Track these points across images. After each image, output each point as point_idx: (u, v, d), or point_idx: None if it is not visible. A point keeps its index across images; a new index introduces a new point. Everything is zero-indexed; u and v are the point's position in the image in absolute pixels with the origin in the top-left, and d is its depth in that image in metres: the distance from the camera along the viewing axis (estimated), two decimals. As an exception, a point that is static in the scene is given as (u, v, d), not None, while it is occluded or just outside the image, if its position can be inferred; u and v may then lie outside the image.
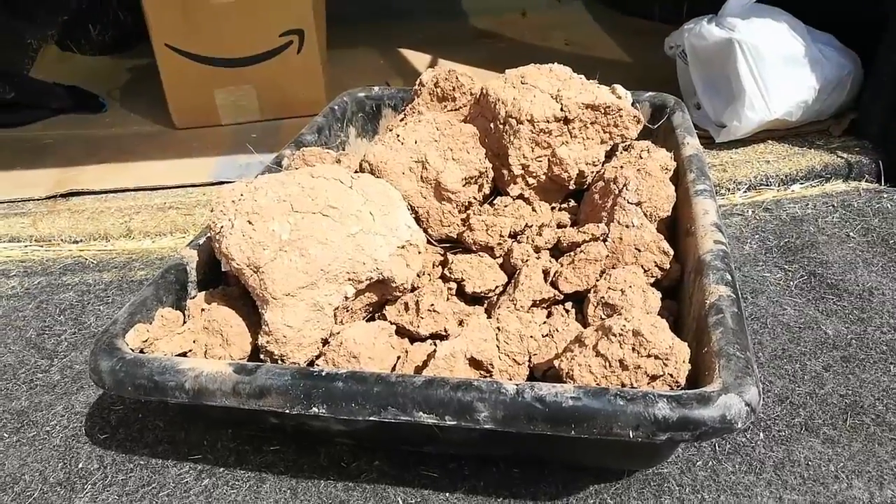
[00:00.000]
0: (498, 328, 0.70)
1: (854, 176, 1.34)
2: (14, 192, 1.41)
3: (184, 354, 0.72)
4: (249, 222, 0.71)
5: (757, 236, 1.19)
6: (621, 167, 0.91)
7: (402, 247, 0.76)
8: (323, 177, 0.77)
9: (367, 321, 0.80)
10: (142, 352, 0.71)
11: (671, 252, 0.84)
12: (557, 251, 0.88)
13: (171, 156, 1.55)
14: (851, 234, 1.16)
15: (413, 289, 0.79)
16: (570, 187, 0.98)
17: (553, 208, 0.99)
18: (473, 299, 0.83)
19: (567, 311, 0.82)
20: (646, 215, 0.86)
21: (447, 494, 0.75)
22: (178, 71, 1.58)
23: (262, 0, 1.54)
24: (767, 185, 1.35)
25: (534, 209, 0.95)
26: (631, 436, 0.57)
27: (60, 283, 1.16)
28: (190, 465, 0.81)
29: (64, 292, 1.14)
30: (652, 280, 0.84)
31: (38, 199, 1.39)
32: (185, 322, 0.78)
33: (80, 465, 0.82)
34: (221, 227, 0.74)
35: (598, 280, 0.81)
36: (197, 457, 0.81)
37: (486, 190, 0.95)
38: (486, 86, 0.99)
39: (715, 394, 0.58)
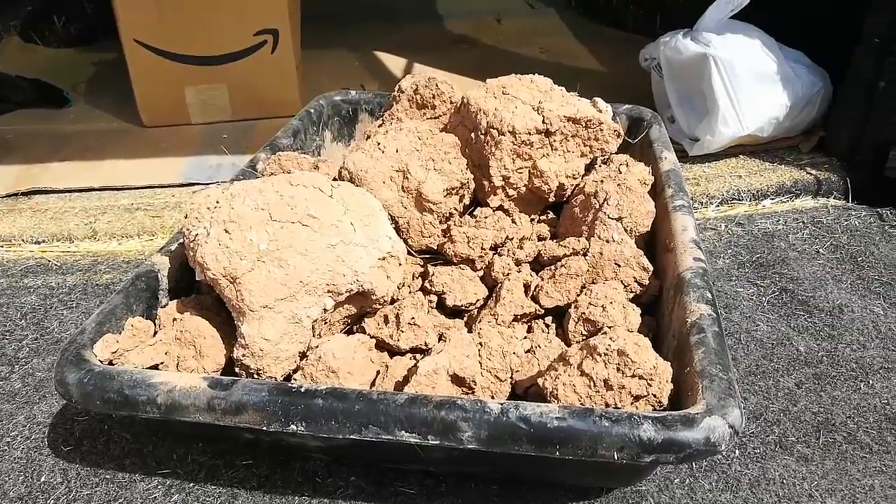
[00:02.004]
0: (480, 344, 0.69)
1: (823, 192, 1.37)
2: (-28, 188, 1.35)
3: (155, 367, 0.70)
4: (226, 231, 0.69)
5: (730, 251, 1.20)
6: (601, 181, 0.91)
7: (383, 258, 0.75)
8: (302, 184, 0.75)
9: (345, 333, 0.78)
10: (111, 364, 0.69)
11: (650, 268, 0.84)
12: (538, 264, 0.88)
13: (139, 155, 1.51)
14: (821, 250, 1.19)
15: (393, 301, 0.78)
16: (550, 199, 0.97)
17: (532, 220, 0.99)
18: (453, 312, 0.82)
19: (547, 325, 0.81)
20: (626, 230, 0.86)
21: (424, 511, 0.74)
22: (148, 67, 1.54)
23: (239, -2, 1.51)
24: (739, 200, 1.37)
25: (514, 221, 0.94)
26: (616, 457, 0.57)
27: (22, 286, 1.12)
28: (159, 479, 0.78)
29: (25, 295, 1.10)
30: (631, 296, 0.84)
31: (-3, 197, 1.33)
32: (155, 332, 0.75)
33: (43, 479, 0.78)
34: (196, 235, 0.71)
35: (578, 295, 0.80)
36: (166, 471, 0.79)
37: (467, 201, 0.94)
38: (467, 95, 0.98)
39: (699, 416, 0.58)
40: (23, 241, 1.24)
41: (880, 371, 0.92)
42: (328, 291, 0.71)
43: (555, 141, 0.93)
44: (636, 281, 0.84)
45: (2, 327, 1.03)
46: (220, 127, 1.63)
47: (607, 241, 0.85)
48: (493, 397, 0.67)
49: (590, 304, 0.78)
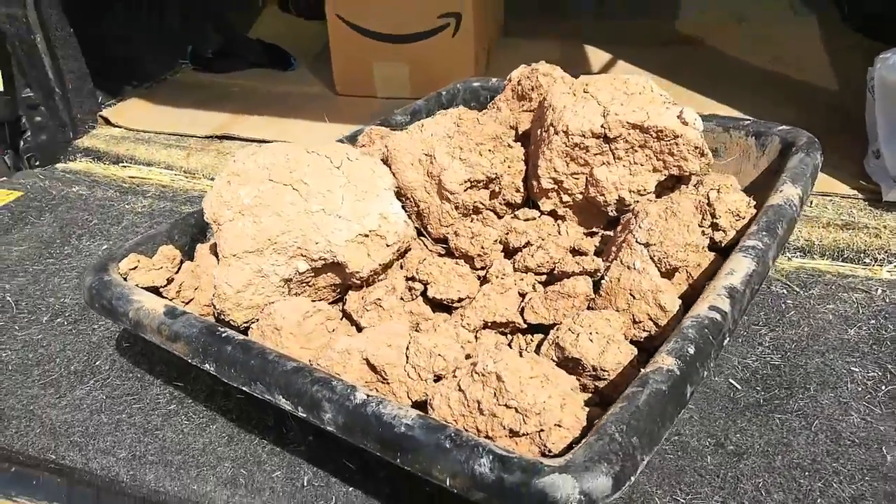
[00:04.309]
0: (412, 338, 0.67)
1: None
2: (185, 128, 1.63)
3: (157, 290, 0.80)
4: (228, 182, 0.76)
5: (873, 321, 0.96)
6: (651, 201, 0.80)
7: (366, 235, 0.75)
8: (316, 153, 0.79)
9: (331, 303, 0.81)
10: (125, 278, 0.80)
11: (672, 308, 0.72)
12: (553, 278, 0.80)
13: (324, 119, 1.67)
14: None
15: (373, 280, 0.78)
16: (611, 213, 0.88)
17: (592, 234, 0.90)
18: (444, 307, 0.80)
19: (528, 342, 0.75)
20: (653, 259, 0.75)
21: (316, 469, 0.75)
22: (345, 41, 1.70)
23: (428, -19, 1.58)
24: (930, 265, 1.08)
25: (560, 230, 0.87)
26: (448, 483, 0.52)
27: (177, 211, 1.33)
28: (170, 389, 0.89)
29: (172, 218, 1.30)
30: (644, 335, 0.74)
31: (198, 137, 1.59)
32: (182, 262, 0.85)
33: (97, 363, 0.95)
34: (215, 182, 0.79)
35: (565, 317, 0.72)
36: (179, 384, 0.90)
37: (512, 198, 0.90)
38: (551, 90, 0.93)
39: (548, 468, 0.49)
40: (202, 175, 1.47)
41: None
42: (301, 254, 0.74)
43: (617, 149, 0.84)
44: (650, 318, 0.73)
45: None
46: (399, 102, 1.72)
47: (628, 268, 0.75)
48: (408, 393, 0.65)
49: (569, 329, 0.70)
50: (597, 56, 1.97)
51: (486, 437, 0.56)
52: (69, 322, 1.03)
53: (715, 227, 0.87)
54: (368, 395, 0.57)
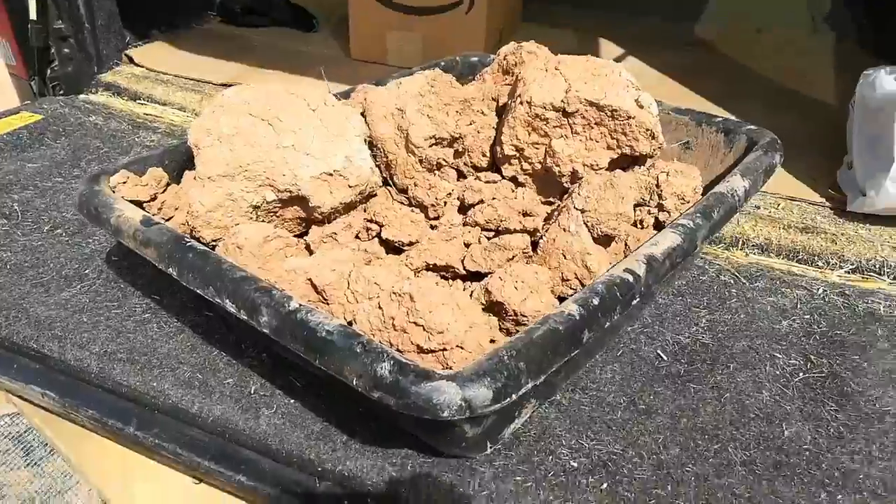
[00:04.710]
0: (354, 266, 0.74)
1: None
2: (203, 73, 1.72)
3: (140, 204, 0.88)
4: (213, 112, 0.84)
5: (808, 316, 1.02)
6: (598, 174, 0.86)
7: (330, 174, 0.83)
8: (296, 95, 0.86)
9: (297, 236, 0.89)
10: (113, 191, 0.89)
11: (597, 270, 0.79)
12: (498, 234, 0.87)
13: (333, 80, 1.74)
14: (921, 352, 0.94)
15: (334, 217, 0.86)
16: (566, 185, 0.94)
17: (549, 203, 0.97)
18: (397, 251, 0.87)
19: (465, 288, 0.82)
20: (586, 225, 0.81)
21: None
22: (363, 7, 1.77)
23: (447, -42, 1.64)
24: (879, 275, 1.13)
25: (517, 195, 0.94)
26: (354, 383, 0.59)
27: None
28: (147, 301, 0.98)
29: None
30: (571, 292, 0.80)
31: (214, 84, 1.68)
32: (169, 184, 0.93)
33: (86, 272, 1.03)
34: (202, 112, 0.87)
35: (499, 267, 0.79)
36: (156, 297, 0.98)
37: (479, 162, 0.96)
38: (526, 65, 0.99)
39: (437, 376, 0.57)
40: (211, 119, 1.55)
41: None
42: (269, 185, 0.82)
43: (574, 123, 0.90)
44: (577, 277, 0.80)
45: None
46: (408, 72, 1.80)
47: (563, 230, 0.82)
48: (343, 315, 0.72)
49: (499, 277, 0.77)
50: (609, 49, 2.02)
51: (397, 350, 0.63)
52: (67, 234, 1.12)
53: (661, 207, 0.93)
54: (300, 305, 0.65)
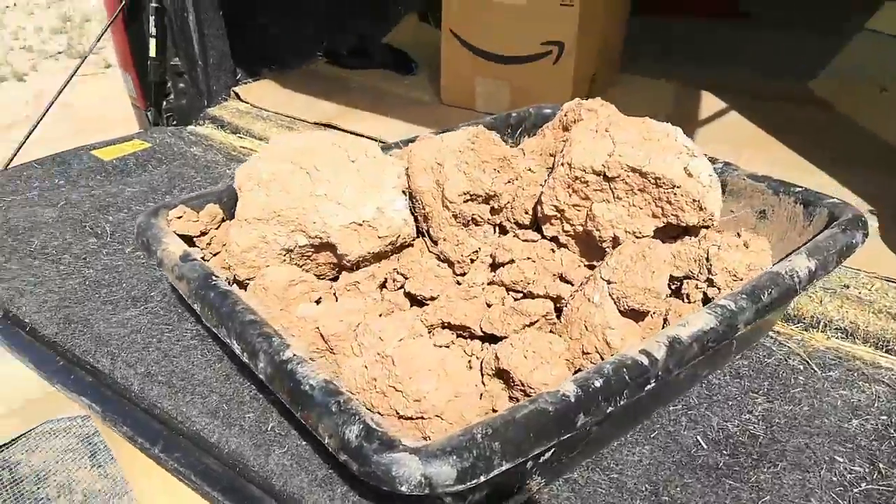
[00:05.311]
0: (364, 319, 0.74)
1: None
2: (300, 112, 1.81)
3: (189, 239, 0.93)
4: (259, 158, 0.88)
5: (884, 418, 0.90)
6: (633, 243, 0.82)
7: (359, 223, 0.84)
8: (338, 146, 0.89)
9: (331, 280, 0.90)
10: (169, 224, 0.95)
11: (617, 346, 0.75)
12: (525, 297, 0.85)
13: (423, 123, 1.79)
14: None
15: (360, 265, 0.87)
16: (607, 250, 0.90)
17: (591, 266, 0.93)
18: (421, 303, 0.87)
19: (482, 349, 0.80)
20: (611, 297, 0.77)
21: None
22: (454, 54, 1.80)
23: (538, 9, 1.65)
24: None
25: (556, 257, 0.91)
26: (326, 441, 0.59)
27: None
28: (198, 328, 1.03)
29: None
30: (591, 367, 0.76)
31: (307, 122, 1.76)
32: (223, 220, 0.99)
33: (152, 294, 1.11)
34: (251, 157, 0.92)
35: (514, 332, 0.77)
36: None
37: (521, 219, 0.94)
38: (577, 125, 0.97)
39: (402, 447, 0.55)
40: (299, 156, 1.63)
41: None
42: (300, 230, 0.84)
43: (616, 188, 0.86)
44: (597, 351, 0.76)
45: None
46: (496, 118, 1.80)
47: (588, 300, 0.78)
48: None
49: (510, 343, 0.74)
50: (709, 103, 1.93)
51: (378, 413, 0.63)
52: (144, 257, 1.21)
53: (711, 282, 0.87)
54: (294, 355, 0.66)
